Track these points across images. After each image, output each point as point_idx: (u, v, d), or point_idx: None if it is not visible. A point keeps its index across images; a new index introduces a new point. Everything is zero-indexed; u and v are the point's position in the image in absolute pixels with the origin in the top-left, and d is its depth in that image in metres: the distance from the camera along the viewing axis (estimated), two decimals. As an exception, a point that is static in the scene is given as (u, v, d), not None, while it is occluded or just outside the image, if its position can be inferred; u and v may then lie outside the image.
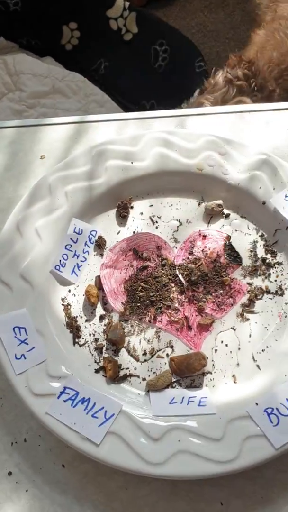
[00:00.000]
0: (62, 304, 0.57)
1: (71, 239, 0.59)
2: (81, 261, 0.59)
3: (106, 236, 0.61)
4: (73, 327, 0.56)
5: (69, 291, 0.58)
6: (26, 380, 0.51)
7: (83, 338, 0.56)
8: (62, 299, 0.57)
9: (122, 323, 0.56)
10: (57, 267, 0.57)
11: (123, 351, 0.55)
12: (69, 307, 0.57)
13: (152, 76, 1.49)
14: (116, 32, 1.47)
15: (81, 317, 0.57)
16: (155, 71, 1.49)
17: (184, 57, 1.45)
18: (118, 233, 0.62)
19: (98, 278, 0.58)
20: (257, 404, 0.50)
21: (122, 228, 0.62)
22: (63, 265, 0.58)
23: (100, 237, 0.60)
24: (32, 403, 0.49)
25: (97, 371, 0.54)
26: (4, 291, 0.54)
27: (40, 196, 0.60)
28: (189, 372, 0.53)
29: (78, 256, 0.59)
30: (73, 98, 1.47)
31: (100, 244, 0.60)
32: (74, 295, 0.58)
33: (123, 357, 0.55)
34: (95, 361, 0.55)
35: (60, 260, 0.58)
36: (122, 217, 0.62)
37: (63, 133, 0.69)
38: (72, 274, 0.58)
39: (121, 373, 0.54)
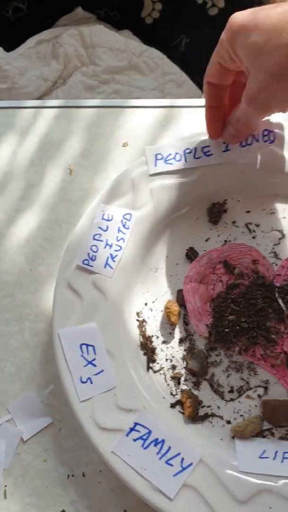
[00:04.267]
0: (137, 320, 0.49)
1: (99, 227, 0.50)
2: (116, 250, 0.49)
3: (193, 242, 0.52)
4: (148, 349, 0.48)
5: (146, 304, 0.50)
6: (91, 409, 0.43)
7: (158, 363, 0.48)
8: (137, 314, 0.49)
9: (206, 351, 0.48)
10: (86, 262, 0.48)
11: (205, 385, 0.47)
12: (144, 323, 0.49)
13: (237, 56, 1.36)
14: (201, 6, 1.36)
15: (157, 337, 0.49)
16: (240, 50, 1.35)
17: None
18: (206, 240, 0.52)
19: (180, 293, 0.50)
20: None
21: (212, 235, 0.53)
22: (93, 259, 0.49)
23: (191, 248, 0.51)
24: (97, 437, 0.42)
25: (172, 405, 0.46)
26: (74, 300, 0.47)
27: (122, 191, 0.51)
28: (286, 421, 0.44)
29: (111, 246, 0.50)
30: (150, 76, 1.37)
31: (190, 256, 0.51)
32: (151, 310, 0.50)
33: (205, 392, 0.46)
34: (171, 393, 0.46)
35: (88, 254, 0.49)
36: (213, 222, 0.53)
37: (149, 118, 0.60)
38: (105, 267, 0.49)
39: (201, 411, 0.46)
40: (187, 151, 0.53)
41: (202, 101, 0.59)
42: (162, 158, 0.53)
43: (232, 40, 0.44)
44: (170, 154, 0.53)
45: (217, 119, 0.51)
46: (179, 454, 0.42)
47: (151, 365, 0.48)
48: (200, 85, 1.39)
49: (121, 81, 1.35)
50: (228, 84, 0.49)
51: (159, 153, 0.53)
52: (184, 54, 1.42)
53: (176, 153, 0.53)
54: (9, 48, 1.29)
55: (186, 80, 1.38)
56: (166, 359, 0.48)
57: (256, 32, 0.42)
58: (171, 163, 0.52)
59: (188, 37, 1.41)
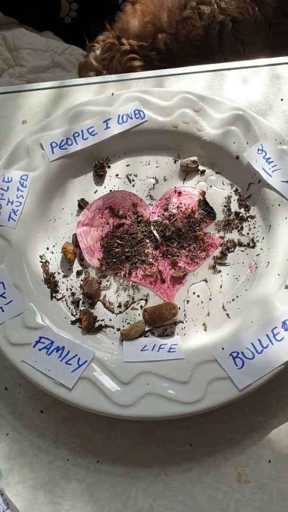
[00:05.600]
0: (40, 261, 0.59)
1: (1, 188, 0.60)
2: (16, 206, 0.59)
3: (84, 195, 0.63)
4: (51, 283, 0.58)
5: (47, 248, 0.60)
6: (3, 331, 0.53)
7: (60, 293, 0.58)
8: (40, 256, 0.59)
9: (98, 278, 0.58)
10: None
11: (99, 305, 0.57)
12: (47, 264, 0.59)
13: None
14: (114, 3, 1.47)
15: (58, 273, 0.59)
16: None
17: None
18: (95, 192, 0.63)
19: (74, 236, 0.60)
20: (223, 348, 0.51)
21: (99, 187, 0.63)
22: None
23: (82, 199, 0.62)
24: (9, 351, 0.52)
25: (73, 322, 0.56)
26: (-17, 249, 0.57)
27: (19, 158, 0.61)
28: (160, 321, 0.55)
29: (12, 203, 0.60)
30: (73, 72, 1.47)
31: (81, 205, 0.62)
32: (52, 253, 0.60)
33: (99, 310, 0.57)
34: (72, 314, 0.57)
35: None
36: (99, 176, 0.64)
37: (44, 98, 0.70)
38: (9, 220, 0.59)
39: (97, 324, 0.56)
40: (76, 134, 0.63)
41: (85, 80, 0.71)
42: (57, 146, 0.63)
43: None
44: (62, 141, 0.63)
45: None
46: (76, 355, 0.52)
47: (54, 295, 0.58)
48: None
49: (46, 79, 1.45)
50: None
51: (54, 141, 0.63)
52: (103, 48, 1.52)
53: (67, 139, 0.63)
54: None
55: (107, 72, 1.48)
56: (67, 289, 0.58)
57: None
58: (65, 148, 0.63)
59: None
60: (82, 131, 0.63)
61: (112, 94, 0.65)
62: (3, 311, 0.54)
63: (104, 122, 0.63)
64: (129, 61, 0.96)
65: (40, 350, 0.52)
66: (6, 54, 1.44)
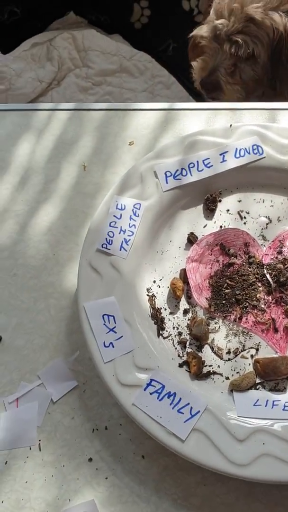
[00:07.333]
0: (147, 295, 0.57)
1: (114, 215, 0.58)
2: (129, 235, 0.57)
3: (193, 228, 0.60)
4: (158, 319, 0.56)
5: (154, 281, 0.58)
6: (113, 369, 0.51)
7: (167, 331, 0.56)
8: (147, 290, 0.57)
9: (206, 319, 0.56)
10: (104, 246, 0.56)
11: (206, 348, 0.55)
12: (153, 298, 0.57)
13: (221, 60, 1.44)
14: (188, 13, 1.44)
15: (165, 309, 0.57)
16: (225, 55, 1.44)
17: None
18: (204, 226, 0.61)
19: (183, 272, 0.58)
20: None
21: (209, 222, 0.61)
22: (110, 243, 0.56)
23: (191, 233, 0.59)
24: (119, 392, 0.50)
25: (180, 365, 0.54)
26: (95, 278, 0.55)
27: (131, 184, 0.59)
28: (275, 375, 0.52)
29: (124, 232, 0.57)
30: (140, 78, 1.45)
31: (191, 240, 0.59)
32: (159, 286, 0.58)
33: (207, 354, 0.55)
34: (179, 355, 0.54)
35: (106, 238, 0.57)
36: (210, 211, 0.61)
37: (152, 120, 0.68)
38: (120, 250, 0.57)
39: (204, 369, 0.54)
40: (191, 165, 0.61)
41: (197, 105, 0.68)
42: (171, 175, 0.60)
43: None
44: (177, 170, 0.60)
45: None
46: (188, 404, 0.50)
47: (161, 332, 0.55)
48: (186, 87, 1.47)
49: (112, 83, 1.42)
50: None
51: (168, 171, 0.60)
52: (172, 58, 1.50)
53: (182, 169, 0.61)
54: (4, 51, 1.35)
55: (174, 82, 1.46)
56: (173, 327, 0.56)
57: None
58: (180, 179, 0.60)
59: (175, 42, 1.49)
60: (197, 162, 0.60)
61: (231, 125, 0.62)
62: (113, 347, 0.52)
63: (220, 154, 0.61)
64: None
65: (151, 394, 0.50)
66: (74, 54, 1.42)
